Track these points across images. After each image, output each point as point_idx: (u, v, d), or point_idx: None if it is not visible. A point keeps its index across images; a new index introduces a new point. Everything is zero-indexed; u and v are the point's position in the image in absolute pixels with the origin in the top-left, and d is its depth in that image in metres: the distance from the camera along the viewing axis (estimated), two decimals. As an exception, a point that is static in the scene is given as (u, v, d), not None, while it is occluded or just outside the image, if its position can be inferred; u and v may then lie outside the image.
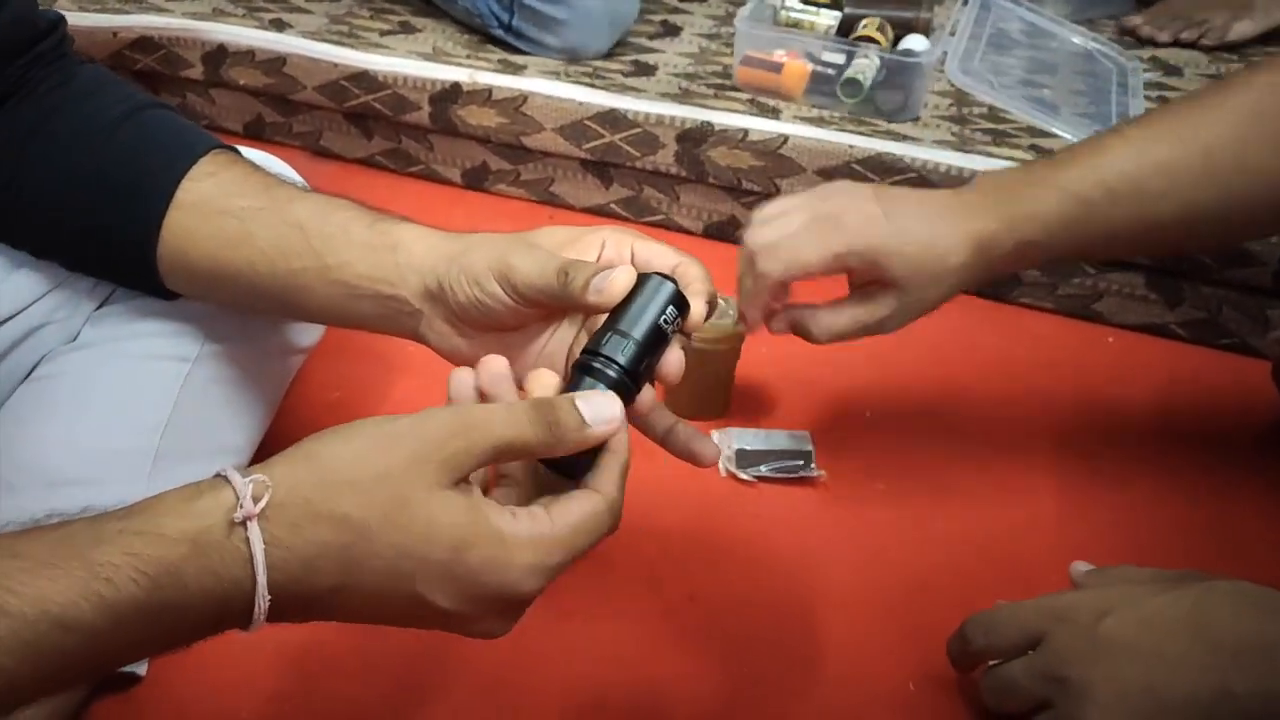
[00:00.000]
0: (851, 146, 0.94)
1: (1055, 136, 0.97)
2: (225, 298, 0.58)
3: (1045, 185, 0.62)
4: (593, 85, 1.02)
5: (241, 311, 0.63)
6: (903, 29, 1.07)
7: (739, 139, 0.96)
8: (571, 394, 0.43)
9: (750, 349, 0.79)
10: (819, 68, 1.01)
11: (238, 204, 0.54)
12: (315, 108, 1.11)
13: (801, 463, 0.75)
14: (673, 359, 0.47)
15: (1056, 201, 0.61)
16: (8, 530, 0.37)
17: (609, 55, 1.09)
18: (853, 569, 0.70)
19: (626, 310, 0.45)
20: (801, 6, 1.08)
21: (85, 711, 0.58)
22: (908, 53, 1.01)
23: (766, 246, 0.62)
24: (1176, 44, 1.18)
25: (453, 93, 1.03)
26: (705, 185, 1.01)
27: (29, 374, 0.62)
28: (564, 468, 0.43)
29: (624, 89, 1.02)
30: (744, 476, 0.75)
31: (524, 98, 1.01)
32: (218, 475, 0.38)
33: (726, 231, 1.03)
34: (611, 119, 0.99)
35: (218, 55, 1.11)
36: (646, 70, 1.07)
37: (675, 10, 1.21)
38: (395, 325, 0.52)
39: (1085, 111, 1.02)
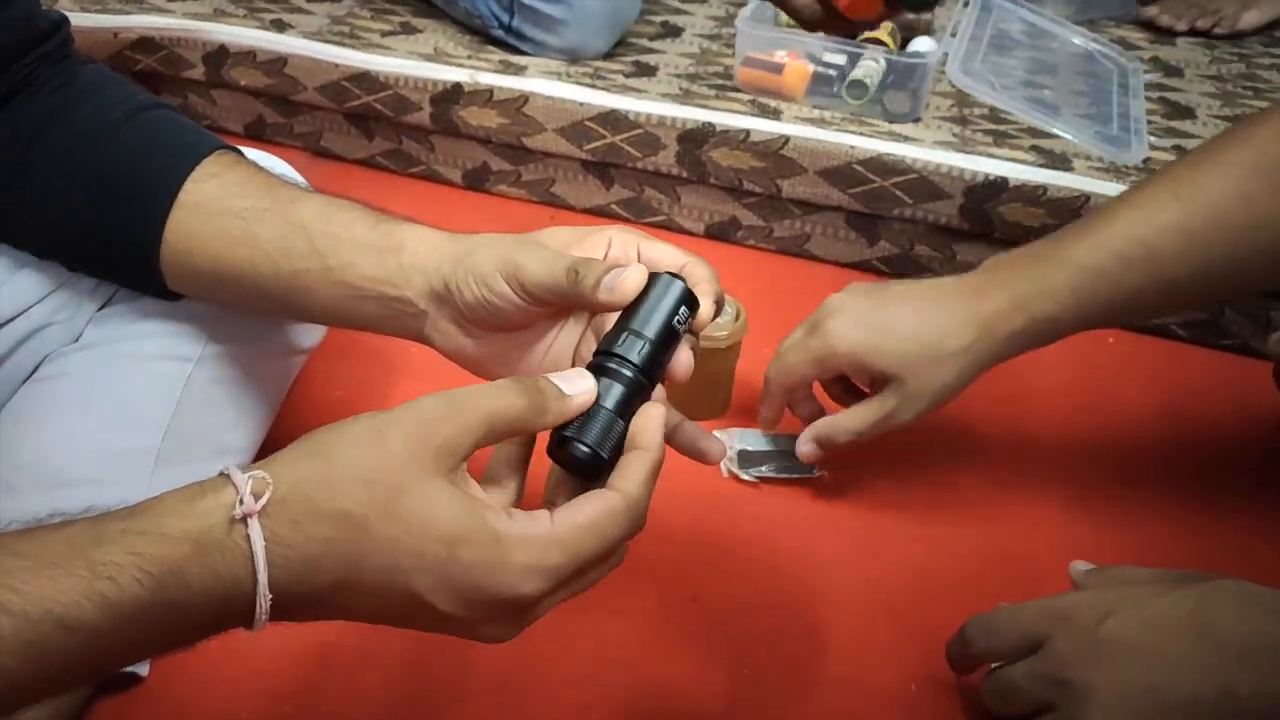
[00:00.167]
0: (853, 147, 0.94)
1: (1056, 137, 0.97)
2: (228, 298, 0.58)
3: (1054, 261, 0.63)
4: (594, 86, 1.02)
5: (244, 312, 0.63)
6: (906, 30, 1.07)
7: (740, 140, 0.96)
8: (549, 374, 0.43)
9: (751, 348, 0.79)
10: (820, 69, 1.01)
11: (241, 204, 0.54)
12: (316, 108, 1.11)
13: (803, 464, 0.75)
14: (683, 358, 0.47)
15: (1066, 275, 0.62)
16: (11, 529, 0.37)
17: (610, 56, 1.09)
18: (855, 570, 0.70)
19: (638, 310, 0.45)
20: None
21: (87, 712, 0.58)
22: (915, 55, 1.01)
23: (775, 357, 0.70)
24: (1193, 32, 1.21)
25: (454, 93, 1.03)
26: (706, 186, 1.01)
27: (31, 374, 0.62)
28: (582, 469, 0.43)
29: (625, 90, 1.02)
30: (746, 477, 0.75)
31: (525, 98, 1.01)
32: (221, 474, 0.39)
33: (728, 232, 1.03)
34: (612, 120, 0.99)
35: (219, 56, 1.11)
36: (647, 71, 1.07)
37: (676, 11, 1.21)
38: (399, 326, 0.52)
39: (1086, 112, 1.02)
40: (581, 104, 1.00)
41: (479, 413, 0.40)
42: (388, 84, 1.05)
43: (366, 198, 0.55)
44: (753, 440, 0.76)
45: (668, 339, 0.45)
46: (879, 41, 1.03)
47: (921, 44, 1.04)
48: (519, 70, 1.05)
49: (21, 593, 0.34)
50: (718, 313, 0.49)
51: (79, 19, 1.10)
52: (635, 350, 0.44)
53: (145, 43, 1.12)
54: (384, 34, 1.12)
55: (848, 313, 0.66)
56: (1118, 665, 0.50)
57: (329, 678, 0.61)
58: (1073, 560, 0.61)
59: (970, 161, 0.92)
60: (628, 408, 0.44)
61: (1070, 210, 0.90)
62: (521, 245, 0.48)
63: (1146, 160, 0.94)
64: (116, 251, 0.57)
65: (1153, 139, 0.98)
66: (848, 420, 0.67)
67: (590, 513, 0.40)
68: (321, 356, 0.76)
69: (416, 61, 1.05)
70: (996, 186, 0.91)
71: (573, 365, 0.51)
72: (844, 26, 0.68)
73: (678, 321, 0.45)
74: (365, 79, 1.06)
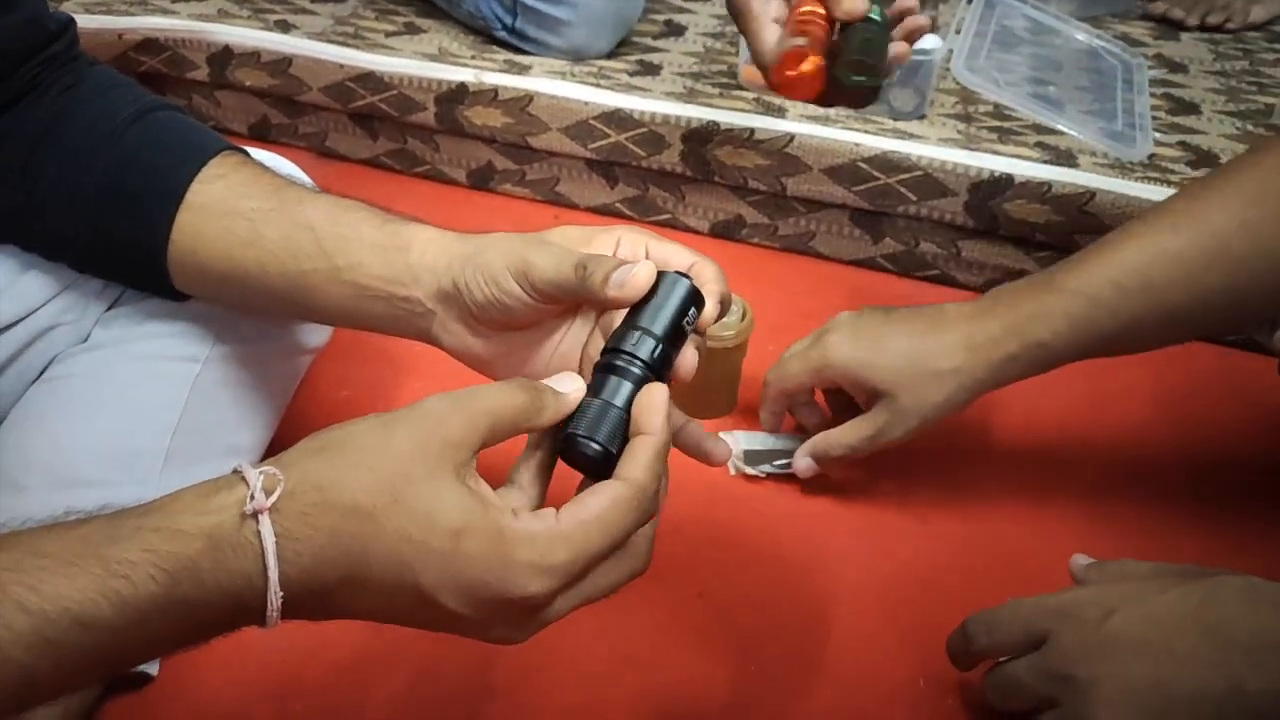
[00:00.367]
0: (857, 145, 0.94)
1: (1061, 134, 0.97)
2: (235, 299, 0.58)
3: (1051, 288, 0.64)
4: (598, 85, 1.02)
5: (252, 313, 0.63)
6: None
7: (745, 138, 0.96)
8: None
9: (757, 347, 0.79)
10: (824, 66, 1.01)
11: (248, 205, 0.54)
12: (321, 109, 1.11)
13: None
14: (688, 357, 0.47)
15: (1061, 302, 0.63)
16: (26, 528, 0.37)
17: (614, 55, 1.09)
18: (861, 567, 0.70)
19: (645, 308, 0.45)
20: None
21: (98, 710, 0.58)
22: (919, 52, 1.01)
23: (777, 362, 0.72)
24: (1202, 27, 1.22)
25: (458, 93, 1.03)
26: (711, 184, 1.01)
27: (39, 375, 0.62)
28: (594, 466, 0.43)
29: (629, 89, 1.02)
30: (753, 472, 0.75)
31: (529, 98, 1.01)
32: (234, 471, 0.39)
33: (733, 231, 1.03)
34: (617, 119, 1.00)
35: (223, 57, 1.11)
36: (651, 70, 1.07)
37: (679, 10, 1.21)
38: (406, 326, 0.53)
39: (1090, 109, 1.02)
40: (586, 103, 1.00)
41: (482, 410, 0.41)
42: (392, 84, 1.05)
43: (371, 198, 0.56)
44: (760, 440, 0.76)
45: (675, 336, 0.45)
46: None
47: (926, 41, 1.04)
48: (523, 70, 1.05)
49: (39, 591, 0.35)
50: (723, 313, 0.49)
51: (84, 20, 1.10)
52: (644, 348, 0.44)
53: (150, 44, 1.12)
54: (388, 34, 1.12)
55: (848, 328, 0.69)
56: (1122, 661, 0.50)
57: (339, 677, 0.61)
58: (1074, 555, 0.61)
59: (975, 158, 0.92)
60: None
61: (1075, 206, 0.90)
62: (531, 244, 0.49)
63: (1151, 156, 0.94)
64: (123, 252, 0.57)
65: (1157, 135, 0.98)
66: (840, 435, 0.69)
67: (596, 506, 0.40)
68: (328, 356, 0.76)
69: (421, 61, 1.05)
70: (1001, 183, 0.91)
71: (580, 364, 0.51)
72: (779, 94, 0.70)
73: (685, 321, 0.45)
74: (370, 79, 1.06)
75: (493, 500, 0.40)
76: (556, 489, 0.44)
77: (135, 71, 1.14)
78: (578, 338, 0.51)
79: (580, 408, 0.43)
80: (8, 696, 0.34)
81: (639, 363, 0.44)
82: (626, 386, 0.43)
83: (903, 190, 0.94)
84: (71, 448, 0.59)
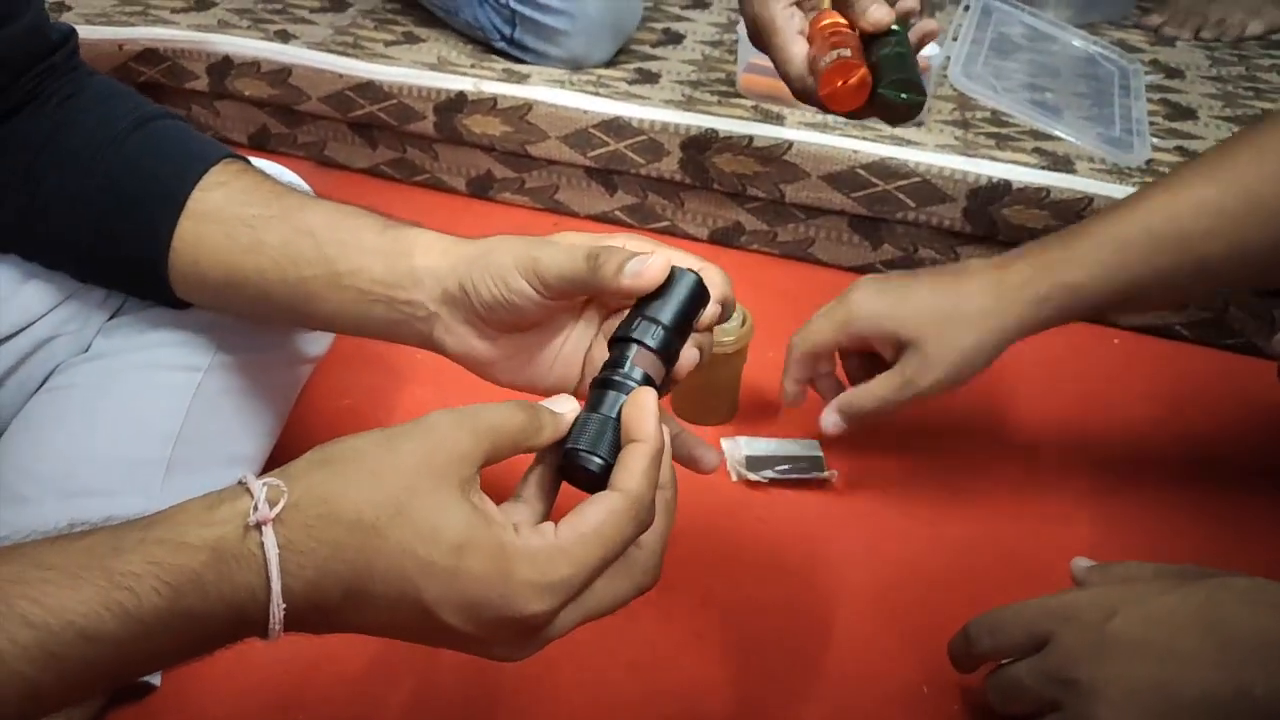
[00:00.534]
0: (855, 151, 0.94)
1: (1058, 139, 0.98)
2: (236, 306, 0.58)
3: (1081, 235, 0.64)
4: (597, 93, 1.02)
5: (253, 320, 0.63)
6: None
7: (743, 145, 0.97)
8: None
9: (757, 353, 0.79)
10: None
11: (249, 212, 0.54)
12: (320, 118, 1.11)
13: (812, 464, 0.75)
14: (687, 356, 0.47)
15: (1094, 247, 0.63)
16: (30, 540, 0.37)
17: (612, 63, 1.10)
18: (864, 571, 0.70)
19: (640, 316, 0.45)
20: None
21: (100, 722, 0.58)
22: (924, 58, 1.01)
23: (800, 328, 0.71)
24: (1197, 39, 1.22)
25: (458, 102, 1.03)
26: (710, 192, 1.01)
27: (40, 385, 0.62)
28: (594, 480, 0.42)
29: (628, 97, 1.02)
30: (755, 478, 0.75)
31: (529, 106, 1.01)
32: (239, 482, 0.39)
33: (731, 238, 1.03)
34: (616, 127, 1.00)
35: (223, 66, 1.11)
36: (650, 78, 1.07)
37: (677, 18, 1.22)
38: (407, 331, 0.53)
39: (1088, 114, 1.02)
40: (585, 111, 1.00)
41: (486, 426, 0.41)
42: (391, 93, 1.05)
43: (371, 207, 0.56)
44: (762, 445, 0.76)
45: (682, 328, 0.45)
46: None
47: (925, 49, 1.04)
48: (522, 78, 1.05)
49: (43, 604, 0.35)
50: (726, 317, 0.49)
51: (84, 31, 1.09)
52: (646, 346, 0.44)
53: (149, 54, 1.12)
54: (387, 44, 1.12)
55: (873, 285, 0.68)
56: (1125, 663, 0.50)
57: (343, 689, 0.61)
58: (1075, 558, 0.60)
59: (973, 164, 0.93)
60: None
61: (1073, 212, 0.90)
62: (538, 242, 0.49)
63: (1149, 161, 0.95)
64: (124, 260, 0.57)
65: (1155, 140, 0.98)
66: (869, 388, 0.67)
67: (593, 518, 0.40)
68: (329, 365, 0.76)
69: (420, 71, 1.06)
70: (999, 189, 0.92)
71: (583, 369, 0.52)
72: (824, 108, 0.69)
73: (692, 317, 0.46)
74: (369, 88, 1.06)
75: (495, 516, 0.40)
76: (564, 503, 0.44)
77: (135, 82, 1.14)
78: (581, 341, 0.51)
79: (578, 423, 0.44)
80: (12, 710, 0.34)
81: (634, 379, 0.44)
82: (622, 399, 0.43)
83: (901, 197, 0.94)
84: (73, 458, 0.59)
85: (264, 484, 0.38)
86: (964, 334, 0.64)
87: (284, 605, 0.37)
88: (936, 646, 0.60)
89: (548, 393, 0.52)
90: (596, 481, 0.42)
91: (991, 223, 0.93)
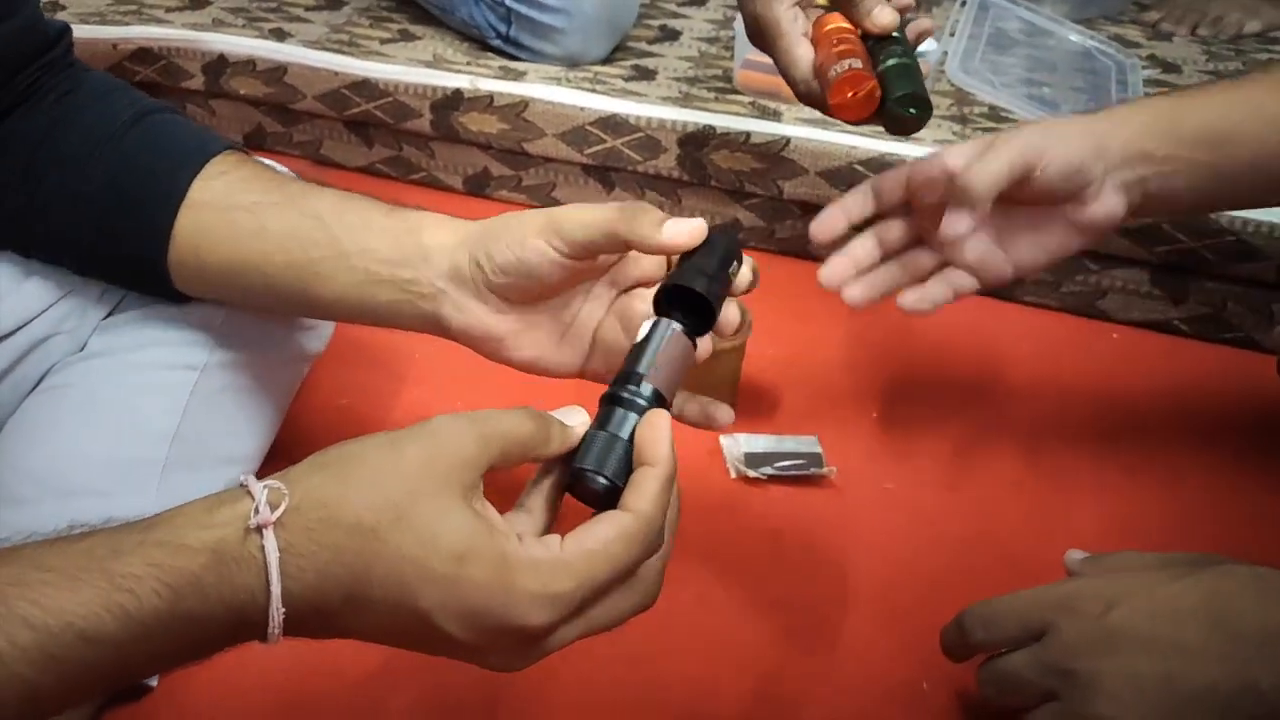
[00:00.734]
0: (853, 148, 0.94)
1: (1056, 135, 0.97)
2: (236, 294, 0.58)
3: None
4: (594, 90, 1.02)
5: (252, 309, 0.62)
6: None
7: (741, 142, 0.96)
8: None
9: (755, 351, 0.79)
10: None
11: (251, 199, 0.54)
12: (316, 116, 1.11)
13: (811, 461, 0.75)
14: (729, 314, 0.49)
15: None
16: (29, 541, 0.37)
17: (609, 60, 1.09)
18: (862, 569, 0.70)
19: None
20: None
21: (97, 723, 0.58)
22: (921, 54, 1.01)
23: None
24: (1194, 36, 1.23)
25: (454, 100, 1.03)
26: (707, 188, 1.01)
27: (36, 385, 0.62)
28: (601, 500, 0.42)
29: (625, 94, 1.02)
30: (754, 475, 0.75)
31: (525, 104, 1.01)
32: (240, 485, 0.38)
33: (729, 234, 1.03)
34: (613, 124, 1.00)
35: (218, 65, 1.11)
36: (647, 75, 1.07)
37: (674, 15, 1.22)
38: (410, 312, 0.52)
39: (1085, 109, 1.02)
40: (582, 108, 1.00)
41: (495, 433, 0.41)
42: (387, 91, 1.05)
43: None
44: (761, 443, 0.76)
45: (721, 282, 0.46)
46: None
47: (922, 44, 1.04)
48: (519, 76, 1.05)
49: (43, 606, 0.34)
50: (754, 284, 0.51)
51: (78, 30, 1.07)
52: (644, 380, 0.44)
53: (144, 53, 1.12)
54: (383, 41, 1.12)
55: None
56: (1127, 655, 0.49)
57: (342, 690, 0.61)
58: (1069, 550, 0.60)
59: (971, 160, 0.92)
60: None
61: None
62: (554, 209, 0.50)
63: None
64: (125, 252, 0.57)
65: (1153, 135, 0.98)
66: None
67: (601, 536, 0.40)
68: (326, 364, 0.76)
69: (416, 68, 1.05)
70: (998, 184, 0.91)
71: (591, 347, 0.52)
72: (830, 114, 0.68)
73: (729, 271, 0.47)
74: (365, 86, 1.06)
75: (499, 525, 0.40)
76: (567, 514, 0.44)
77: (130, 81, 1.11)
78: (589, 319, 0.52)
79: (586, 441, 0.43)
80: (11, 712, 0.34)
81: (642, 394, 0.44)
82: (631, 418, 0.43)
83: (899, 192, 0.94)
84: (69, 457, 0.59)
85: (265, 486, 0.38)
86: (1072, 126, 0.62)
87: (283, 609, 0.37)
88: (936, 643, 0.60)
89: (549, 373, 0.52)
90: (602, 501, 0.42)
91: (990, 218, 0.93)
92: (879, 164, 0.93)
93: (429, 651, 0.41)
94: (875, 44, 0.67)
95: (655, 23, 1.19)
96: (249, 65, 1.09)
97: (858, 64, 0.63)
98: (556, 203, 1.07)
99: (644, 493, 0.41)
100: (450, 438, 0.40)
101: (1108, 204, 0.61)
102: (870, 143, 0.94)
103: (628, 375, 0.45)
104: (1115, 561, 0.57)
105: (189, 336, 0.62)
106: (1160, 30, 1.24)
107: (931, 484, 0.76)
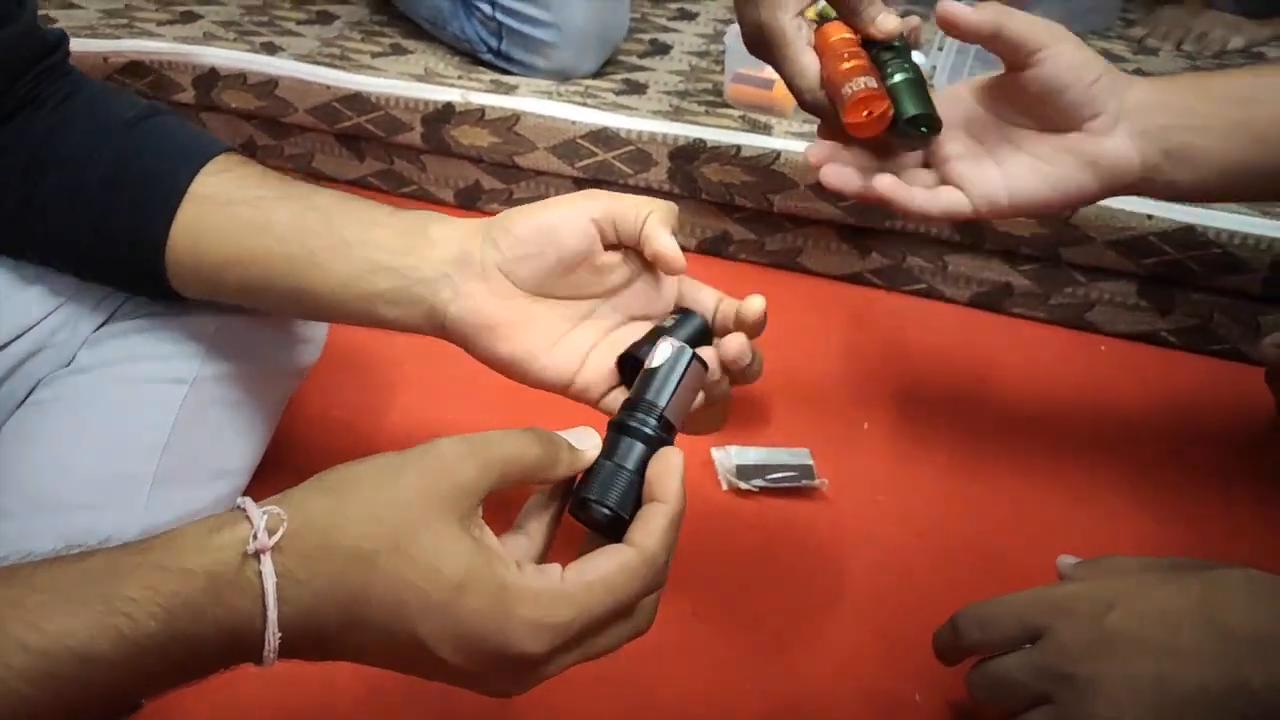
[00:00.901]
0: (843, 161, 0.94)
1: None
2: (232, 290, 0.57)
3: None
4: (585, 104, 1.03)
5: (246, 305, 0.62)
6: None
7: (731, 155, 0.97)
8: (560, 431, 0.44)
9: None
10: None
11: (256, 193, 0.55)
12: (307, 130, 1.11)
13: (803, 473, 0.75)
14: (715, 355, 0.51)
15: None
16: (26, 561, 0.37)
17: (600, 74, 1.10)
18: (855, 581, 0.70)
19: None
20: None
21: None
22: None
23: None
24: (1179, 51, 1.25)
25: (445, 113, 1.03)
26: (698, 202, 1.01)
27: (25, 399, 0.61)
28: (605, 530, 0.42)
29: (616, 107, 1.03)
30: (745, 487, 0.75)
31: (516, 117, 1.02)
32: (237, 508, 0.38)
33: (720, 247, 1.03)
34: (604, 137, 1.00)
35: (209, 78, 1.11)
36: (638, 88, 1.07)
37: (664, 29, 1.22)
38: (409, 304, 0.52)
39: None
40: (573, 122, 1.00)
41: (497, 458, 0.40)
42: (379, 105, 1.05)
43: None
44: (752, 455, 0.76)
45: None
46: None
47: (915, 57, 1.05)
48: (510, 89, 1.05)
49: (40, 628, 0.34)
50: (752, 365, 0.52)
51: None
52: (656, 410, 0.45)
53: (135, 66, 1.12)
54: (374, 55, 1.12)
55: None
56: (1124, 658, 0.49)
57: (334, 701, 0.60)
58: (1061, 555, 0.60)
59: (960, 173, 0.93)
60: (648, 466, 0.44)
61: (1060, 219, 0.90)
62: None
63: (1134, 169, 0.95)
64: (122, 248, 0.56)
65: (1139, 148, 0.99)
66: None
67: (603, 569, 0.40)
68: (317, 377, 0.76)
69: (407, 82, 1.06)
70: (986, 197, 0.92)
71: (580, 366, 0.52)
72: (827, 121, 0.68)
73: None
74: (356, 100, 1.06)
75: (497, 551, 0.40)
76: (563, 535, 0.44)
77: None
78: (585, 339, 0.52)
79: (593, 469, 0.43)
80: None
81: (651, 424, 0.44)
82: (639, 449, 0.43)
83: (889, 205, 0.94)
84: (58, 471, 0.58)
85: (264, 511, 0.38)
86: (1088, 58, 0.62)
87: (279, 634, 0.37)
88: (928, 654, 0.60)
89: (536, 377, 0.52)
90: (605, 529, 0.42)
91: (979, 231, 0.93)
92: (869, 177, 0.94)
93: (425, 676, 0.41)
94: (877, 52, 0.67)
95: (646, 37, 1.19)
96: (240, 78, 1.09)
97: (873, 83, 0.63)
98: (548, 216, 1.07)
99: (651, 530, 0.41)
100: (450, 464, 0.40)
101: (1118, 141, 0.60)
102: (860, 156, 0.95)
103: (641, 403, 0.45)
104: (1107, 565, 0.57)
105: (178, 350, 0.62)
106: (1146, 46, 1.26)
107: (923, 495, 0.76)
